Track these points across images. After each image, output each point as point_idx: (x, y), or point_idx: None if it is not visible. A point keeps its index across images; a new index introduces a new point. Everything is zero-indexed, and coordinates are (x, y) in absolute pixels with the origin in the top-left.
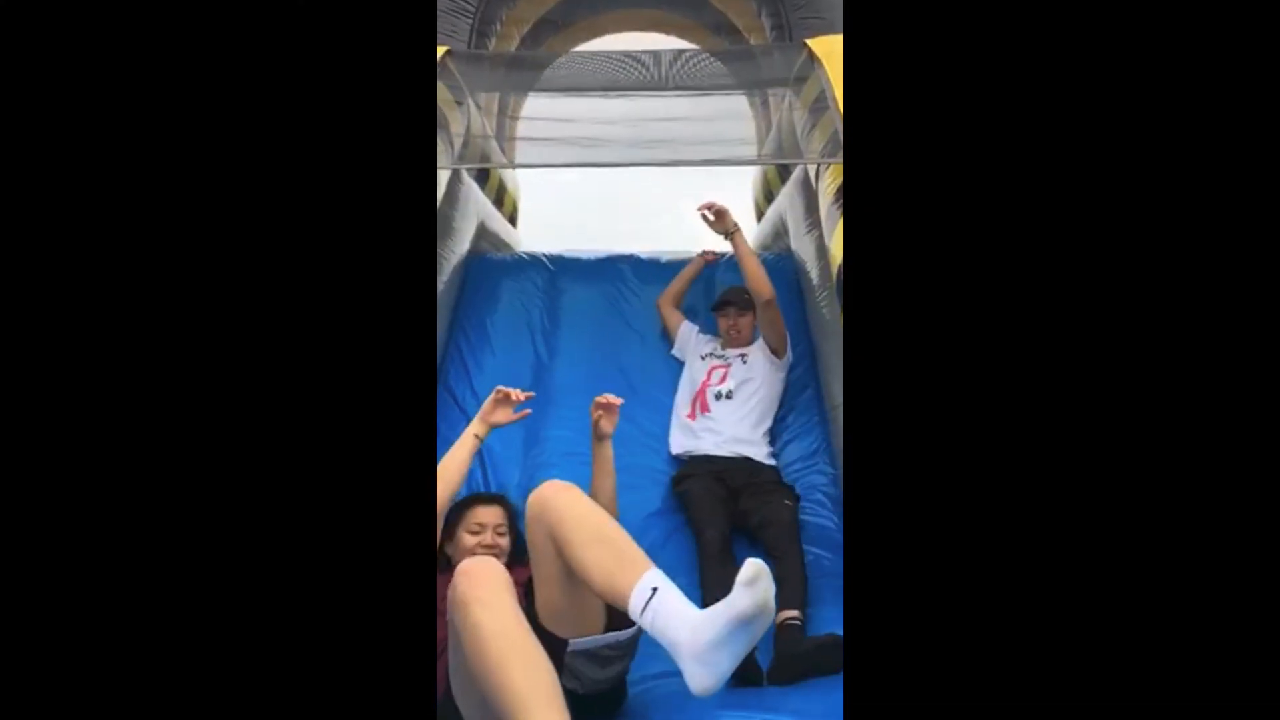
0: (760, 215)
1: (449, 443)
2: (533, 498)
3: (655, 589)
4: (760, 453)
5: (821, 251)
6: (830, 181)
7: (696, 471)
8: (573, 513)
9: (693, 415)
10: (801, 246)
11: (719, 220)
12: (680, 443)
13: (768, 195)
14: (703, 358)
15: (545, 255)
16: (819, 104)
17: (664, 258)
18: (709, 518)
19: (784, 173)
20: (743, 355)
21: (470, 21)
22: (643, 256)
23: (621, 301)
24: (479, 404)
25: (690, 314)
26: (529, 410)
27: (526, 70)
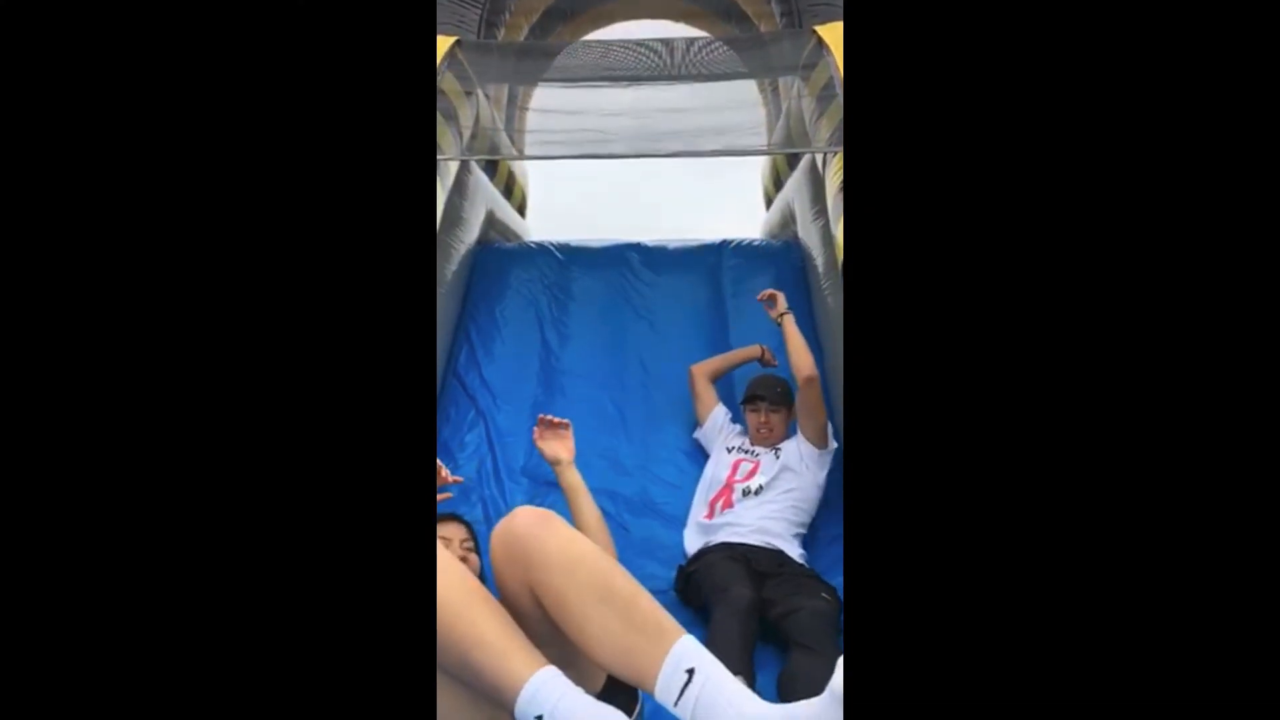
0: (769, 202)
1: (458, 429)
2: (501, 532)
3: (692, 670)
4: (792, 550)
5: (827, 240)
6: (837, 169)
7: (713, 553)
8: (563, 557)
9: (710, 515)
10: (808, 235)
11: (773, 303)
12: (695, 542)
13: (776, 182)
14: (728, 450)
15: (553, 244)
16: (827, 91)
17: (671, 245)
18: (733, 581)
19: (793, 160)
20: (776, 450)
21: (479, 11)
22: (650, 244)
23: (629, 289)
24: (488, 392)
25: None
26: (450, 494)
27: (536, 60)
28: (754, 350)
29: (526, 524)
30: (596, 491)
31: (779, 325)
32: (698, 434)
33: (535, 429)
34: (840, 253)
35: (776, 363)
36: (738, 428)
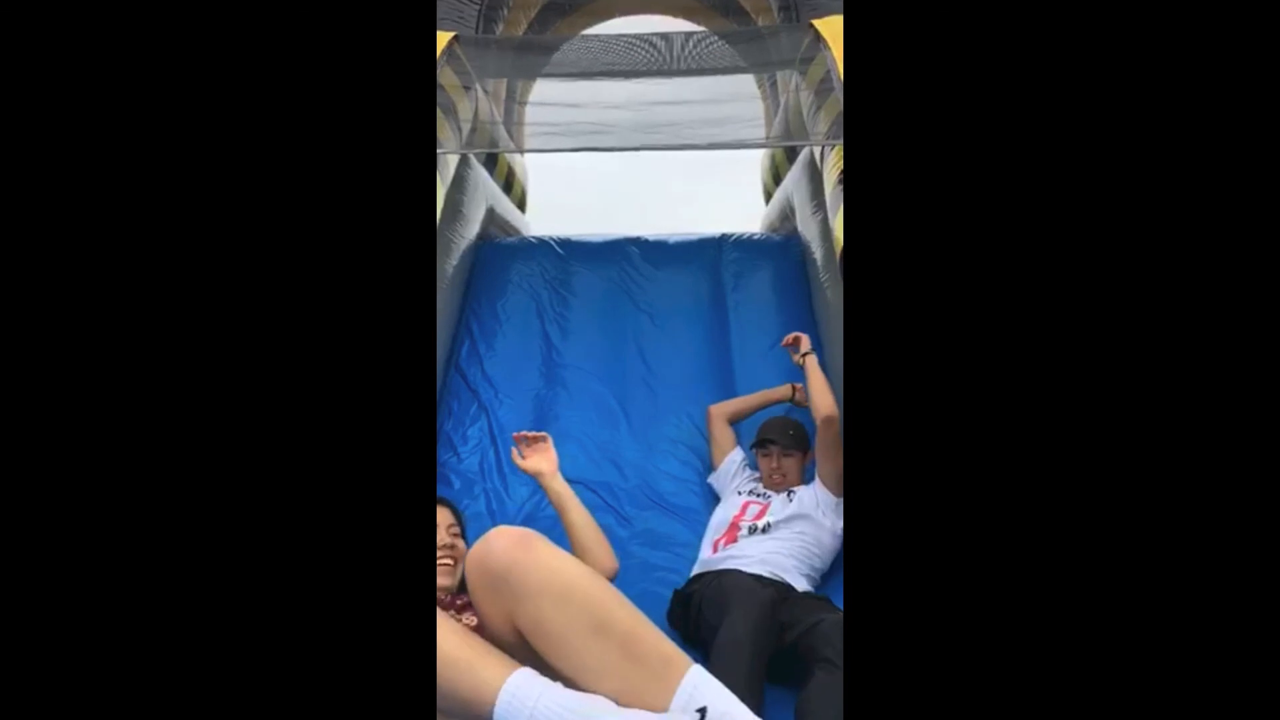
0: (768, 197)
1: (460, 423)
2: (477, 558)
3: (703, 710)
4: (800, 585)
5: (826, 233)
6: (835, 163)
7: (714, 573)
8: (550, 585)
9: (714, 553)
10: (807, 228)
11: (797, 346)
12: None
13: (775, 177)
14: (739, 493)
15: (554, 239)
16: (825, 85)
17: (671, 239)
18: (750, 587)
19: (792, 154)
20: (789, 493)
21: (477, 7)
22: (650, 239)
23: (630, 283)
24: (490, 386)
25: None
26: None
27: (534, 55)
28: (784, 391)
29: (505, 549)
30: (598, 484)
31: (801, 367)
32: (711, 479)
33: (513, 450)
34: (839, 245)
35: (809, 403)
36: (755, 472)
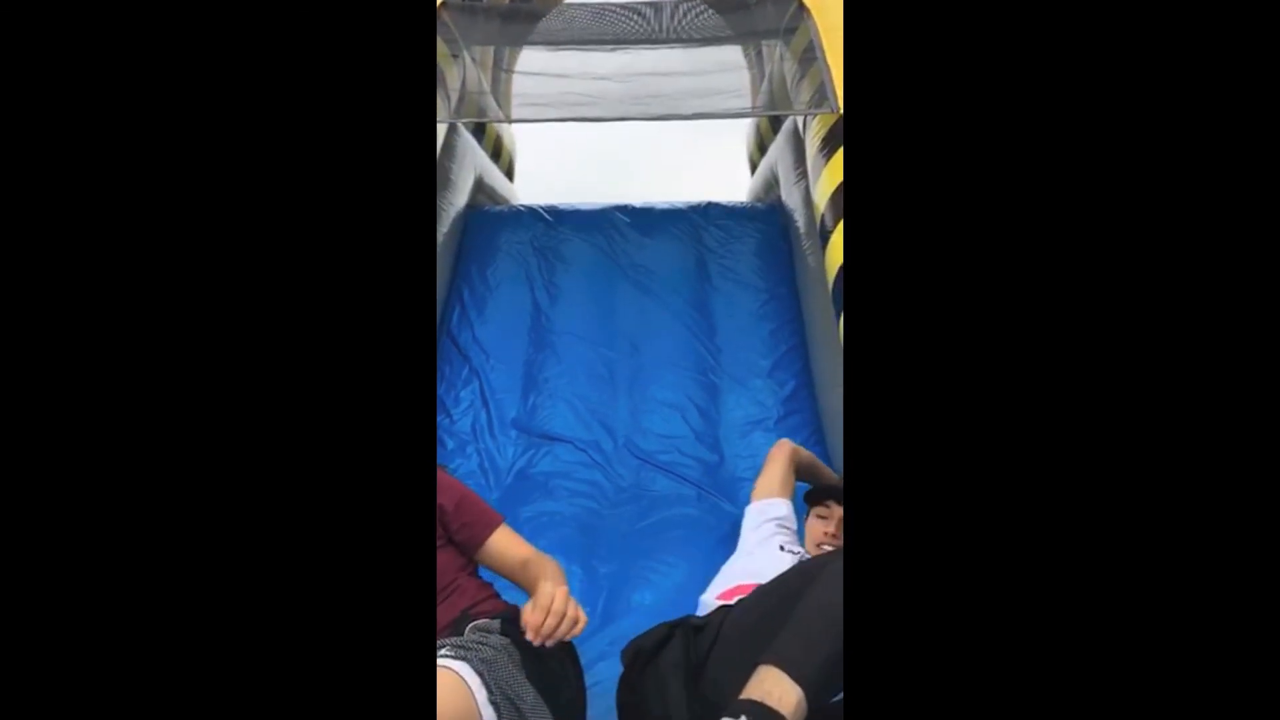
0: (754, 167)
1: (452, 386)
2: None
3: None
4: None
5: (809, 201)
6: (816, 131)
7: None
8: None
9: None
10: (790, 197)
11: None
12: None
13: (761, 147)
14: (780, 548)
15: (542, 207)
16: (808, 55)
17: (658, 207)
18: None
19: (776, 124)
20: None
21: None
22: (637, 206)
23: (617, 250)
24: (481, 350)
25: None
26: None
27: (522, 22)
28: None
29: None
30: (587, 444)
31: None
32: (749, 509)
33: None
34: (818, 213)
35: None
36: (792, 534)
